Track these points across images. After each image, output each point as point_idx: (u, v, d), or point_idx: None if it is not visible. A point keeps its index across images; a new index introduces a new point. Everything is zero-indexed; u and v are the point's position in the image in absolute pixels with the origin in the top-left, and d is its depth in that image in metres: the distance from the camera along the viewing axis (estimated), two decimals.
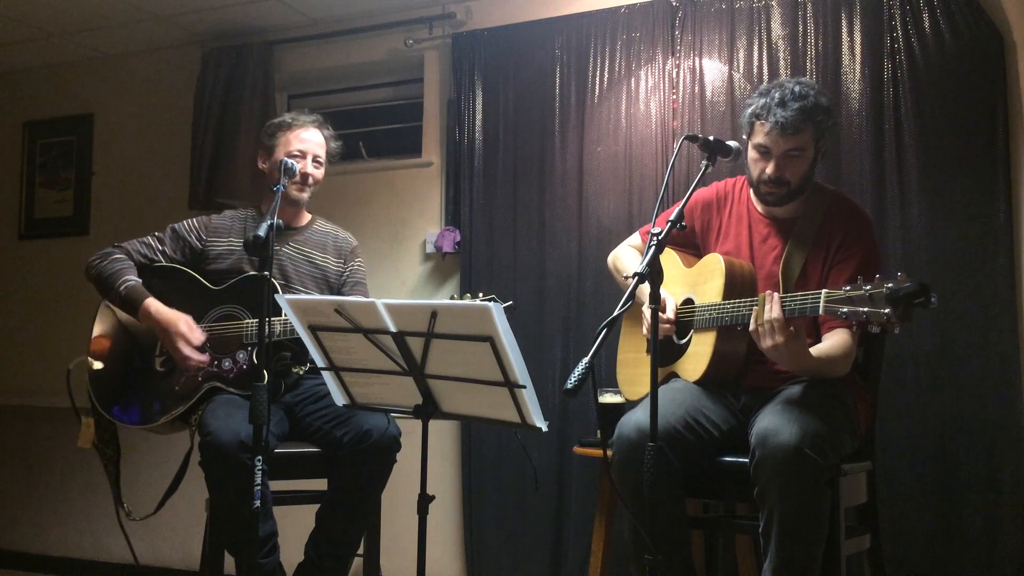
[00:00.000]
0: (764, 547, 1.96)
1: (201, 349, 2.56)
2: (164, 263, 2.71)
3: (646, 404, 2.17)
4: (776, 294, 1.99)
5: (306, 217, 2.86)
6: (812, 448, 1.90)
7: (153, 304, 2.56)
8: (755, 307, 2.02)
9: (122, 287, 2.58)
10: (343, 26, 3.85)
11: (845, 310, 1.82)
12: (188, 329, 2.54)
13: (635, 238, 2.62)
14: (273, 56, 3.91)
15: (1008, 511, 2.66)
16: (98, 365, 2.66)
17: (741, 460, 2.11)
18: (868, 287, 1.78)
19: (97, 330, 2.72)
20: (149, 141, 4.23)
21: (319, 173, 2.76)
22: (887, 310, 1.73)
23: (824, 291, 1.90)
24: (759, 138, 2.21)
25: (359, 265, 2.89)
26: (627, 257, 2.56)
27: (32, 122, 4.48)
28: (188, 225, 2.75)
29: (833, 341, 2.14)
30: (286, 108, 4.12)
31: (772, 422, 1.96)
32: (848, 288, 1.83)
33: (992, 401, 2.71)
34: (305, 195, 2.74)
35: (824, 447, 1.93)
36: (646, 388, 1.94)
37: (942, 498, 2.73)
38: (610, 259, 2.65)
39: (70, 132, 4.39)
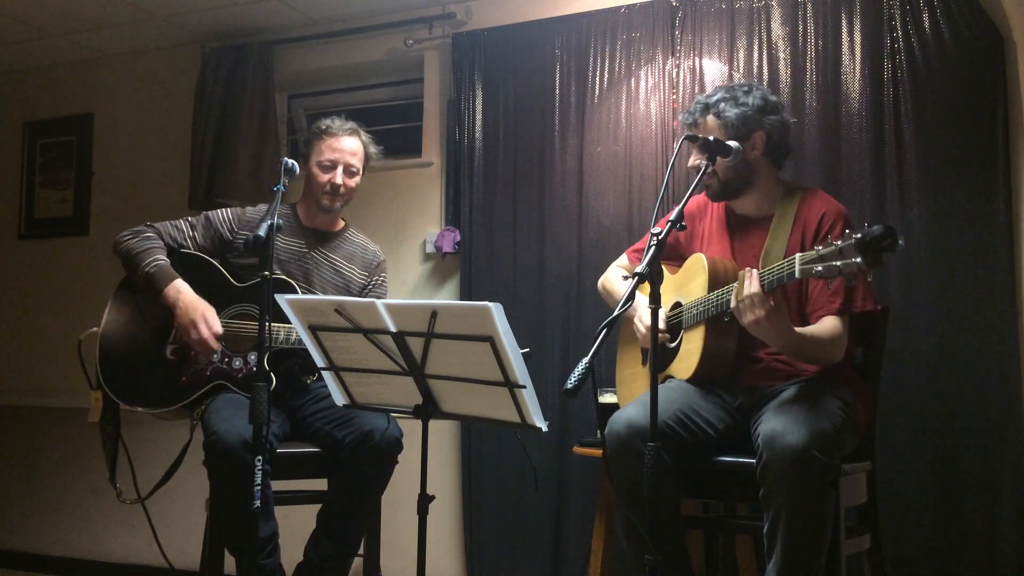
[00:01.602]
0: (768, 548, 1.96)
1: (217, 341, 2.55)
2: (192, 250, 2.71)
3: (637, 401, 2.19)
4: (755, 270, 2.02)
5: (340, 223, 2.87)
6: (819, 450, 1.90)
7: (182, 285, 2.56)
8: (735, 285, 2.04)
9: (150, 265, 2.58)
10: (343, 26, 3.85)
11: (820, 268, 1.83)
12: (210, 318, 2.53)
13: (623, 259, 2.65)
14: (273, 56, 3.91)
15: (1008, 511, 2.66)
16: (113, 343, 2.64)
17: (743, 460, 2.11)
18: (838, 242, 1.80)
19: (111, 311, 2.69)
20: (149, 141, 4.23)
21: (352, 182, 2.75)
22: (858, 259, 1.74)
23: (798, 254, 1.91)
24: None
25: (383, 280, 2.89)
26: (617, 278, 2.58)
27: (32, 122, 4.48)
28: (222, 216, 2.75)
29: (821, 325, 2.15)
30: (286, 108, 4.13)
31: (779, 423, 1.96)
32: (820, 247, 1.85)
33: (992, 401, 2.71)
34: (337, 204, 2.74)
35: (830, 448, 1.94)
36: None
37: (942, 498, 2.73)
38: (600, 282, 2.67)
39: (70, 132, 4.39)
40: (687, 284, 2.33)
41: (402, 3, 3.69)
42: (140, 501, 2.67)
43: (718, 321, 2.17)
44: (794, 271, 1.91)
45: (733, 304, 2.03)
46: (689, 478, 2.19)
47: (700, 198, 2.48)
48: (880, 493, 2.41)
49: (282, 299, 1.98)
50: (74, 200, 4.35)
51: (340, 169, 2.72)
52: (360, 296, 2.81)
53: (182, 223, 2.73)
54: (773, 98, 2.31)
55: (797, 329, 2.09)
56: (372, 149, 2.82)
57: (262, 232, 2.15)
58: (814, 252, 1.85)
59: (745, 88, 2.29)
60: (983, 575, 2.67)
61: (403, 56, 3.76)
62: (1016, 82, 2.74)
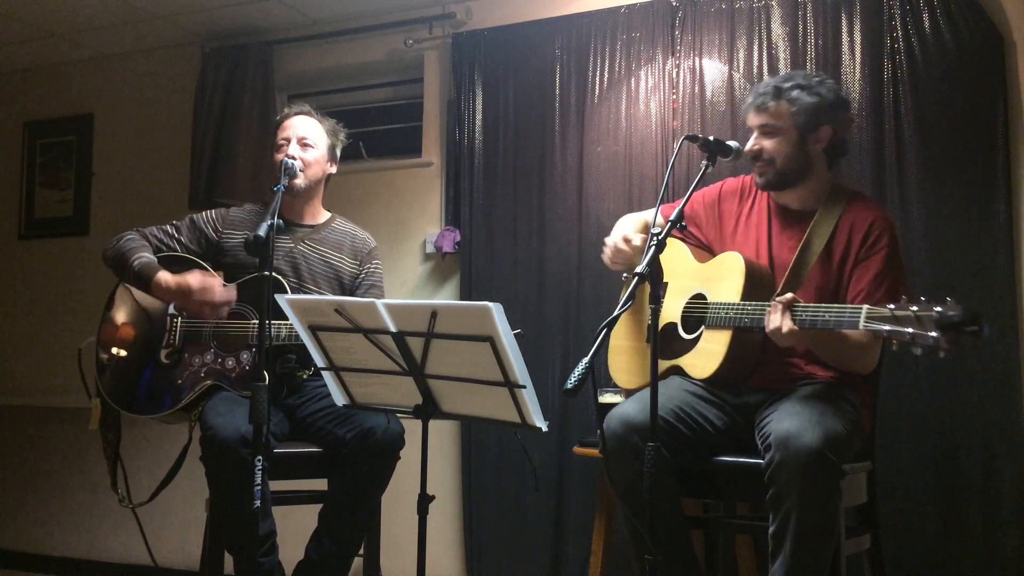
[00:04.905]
0: (774, 548, 1.95)
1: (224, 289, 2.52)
2: (180, 252, 2.70)
3: (634, 398, 2.17)
4: (779, 304, 1.97)
5: (324, 215, 2.84)
6: (832, 451, 1.90)
7: (165, 275, 2.53)
8: (769, 311, 2.01)
9: (136, 262, 2.56)
10: (343, 26, 3.85)
11: (887, 328, 1.77)
12: (203, 279, 2.50)
13: (650, 213, 2.34)
14: (273, 56, 3.91)
15: (1008, 511, 2.66)
16: (111, 351, 2.64)
17: (749, 460, 2.10)
18: (915, 308, 1.73)
19: (107, 318, 2.70)
20: (149, 141, 4.23)
21: (310, 156, 2.70)
22: (934, 334, 1.69)
23: (865, 306, 1.86)
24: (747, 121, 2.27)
25: (375, 267, 2.85)
26: (633, 218, 2.48)
27: (32, 122, 4.48)
28: (206, 216, 2.74)
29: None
30: (286, 108, 4.12)
31: (792, 424, 1.94)
32: (893, 306, 1.78)
33: (992, 401, 2.71)
34: (298, 181, 2.65)
35: (841, 450, 1.94)
36: (643, 380, 1.92)
37: (942, 498, 2.73)
38: (620, 222, 2.50)
39: (70, 132, 4.39)
40: (716, 280, 2.25)
41: (402, 3, 3.69)
42: (142, 504, 2.67)
43: (749, 330, 2.12)
44: (857, 322, 1.85)
45: (768, 328, 2.00)
46: (690, 478, 2.18)
47: (748, 179, 2.40)
48: (880, 493, 2.40)
49: (282, 299, 1.98)
50: (74, 200, 4.35)
51: (293, 141, 2.68)
52: (352, 285, 2.79)
53: (167, 226, 2.72)
54: (844, 95, 2.26)
55: (836, 333, 2.02)
56: (329, 129, 2.78)
57: (262, 232, 2.14)
58: (886, 310, 1.79)
59: (818, 79, 2.23)
60: (983, 575, 2.67)
61: (403, 56, 3.76)
62: (1016, 82, 2.74)
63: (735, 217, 2.39)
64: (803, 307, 1.98)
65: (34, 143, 4.46)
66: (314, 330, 1.99)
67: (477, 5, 3.64)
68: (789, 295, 2.00)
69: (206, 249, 2.71)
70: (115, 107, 4.32)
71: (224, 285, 2.53)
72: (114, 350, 2.66)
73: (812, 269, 2.18)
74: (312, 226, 2.79)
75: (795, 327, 1.95)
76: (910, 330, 1.73)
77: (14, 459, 4.32)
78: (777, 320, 1.97)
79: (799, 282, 2.17)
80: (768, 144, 2.22)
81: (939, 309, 1.69)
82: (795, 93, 2.18)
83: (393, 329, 1.85)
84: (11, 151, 4.51)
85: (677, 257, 2.37)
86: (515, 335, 1.74)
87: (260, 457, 2.07)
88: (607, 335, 1.82)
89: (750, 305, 2.11)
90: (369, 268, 2.83)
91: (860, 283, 2.14)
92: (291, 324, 2.46)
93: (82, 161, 4.35)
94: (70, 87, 4.42)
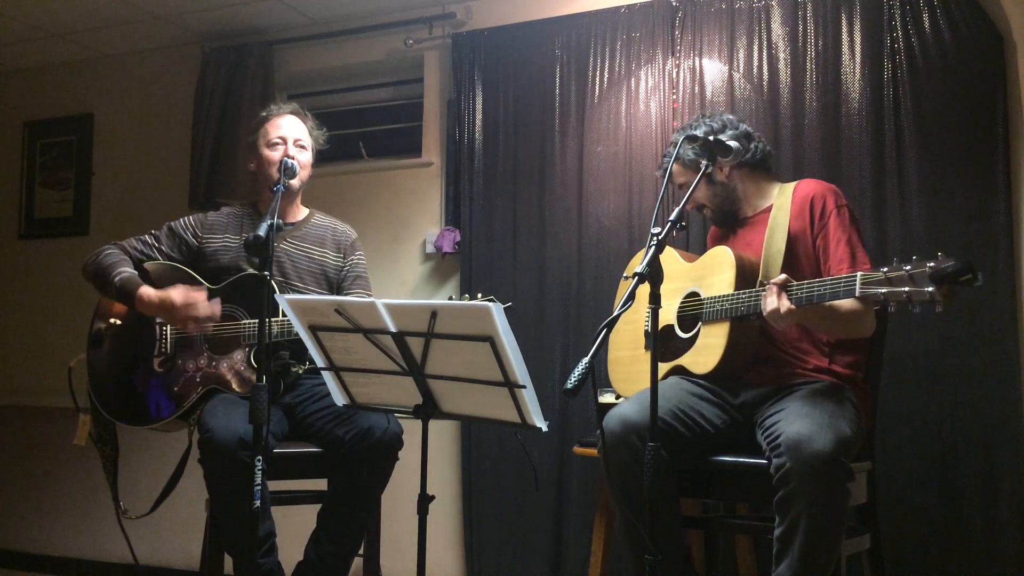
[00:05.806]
0: (780, 550, 1.94)
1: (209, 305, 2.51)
2: (161, 261, 2.70)
3: (633, 398, 2.19)
4: (774, 286, 1.99)
5: (303, 211, 2.83)
6: (845, 455, 1.90)
7: (147, 291, 2.53)
8: (763, 294, 2.03)
9: (117, 278, 2.56)
10: (343, 26, 3.85)
11: (883, 291, 1.78)
12: (186, 294, 2.50)
13: None
14: (273, 56, 3.91)
15: (1008, 511, 2.66)
16: (102, 363, 2.63)
17: (752, 461, 2.10)
18: (908, 267, 1.74)
19: (95, 331, 2.70)
20: (149, 141, 4.23)
21: (303, 157, 2.70)
22: (930, 288, 1.69)
23: (859, 273, 1.86)
24: None
25: (359, 258, 2.84)
26: None
27: (32, 122, 4.48)
28: (184, 223, 2.73)
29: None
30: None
31: (804, 427, 1.93)
32: (886, 269, 1.79)
33: (992, 401, 2.71)
34: (294, 182, 2.64)
35: (851, 452, 1.94)
36: (645, 386, 1.93)
37: (942, 498, 2.73)
38: None
39: (70, 132, 4.39)
40: (708, 276, 2.29)
41: (402, 3, 3.69)
42: (144, 516, 2.67)
43: (745, 319, 2.15)
44: (853, 289, 1.86)
45: (765, 312, 2.02)
46: (690, 478, 2.18)
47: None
48: (880, 493, 2.40)
49: (282, 299, 1.98)
50: (74, 200, 4.35)
51: (290, 143, 2.68)
52: (338, 278, 2.78)
53: (146, 236, 2.71)
54: (720, 120, 2.37)
55: (828, 305, 2.02)
56: (317, 132, 2.79)
57: (261, 232, 2.13)
58: (880, 274, 1.79)
59: (694, 123, 2.39)
60: (983, 575, 2.67)
61: (403, 56, 3.76)
62: (1016, 82, 2.74)
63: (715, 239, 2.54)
64: (798, 285, 2.00)
65: (34, 143, 4.46)
66: (314, 330, 1.98)
67: (477, 5, 3.64)
68: (783, 276, 2.01)
69: (186, 255, 2.70)
70: (115, 107, 4.32)
71: (208, 299, 2.52)
72: (105, 363, 2.65)
73: (784, 258, 2.21)
74: (293, 223, 2.78)
75: (792, 306, 1.97)
76: (906, 289, 1.74)
77: (14, 459, 4.32)
78: (774, 302, 1.99)
79: (774, 275, 2.18)
80: (695, 197, 2.38)
81: (932, 264, 1.71)
82: (681, 150, 2.36)
83: (393, 329, 1.85)
84: (11, 151, 4.51)
85: (666, 260, 2.39)
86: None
87: (259, 458, 2.06)
88: (607, 335, 1.82)
89: (744, 294, 2.13)
90: (353, 260, 2.82)
91: (827, 251, 2.21)
92: (283, 321, 2.48)
93: (82, 161, 4.35)
94: (70, 87, 4.42)
